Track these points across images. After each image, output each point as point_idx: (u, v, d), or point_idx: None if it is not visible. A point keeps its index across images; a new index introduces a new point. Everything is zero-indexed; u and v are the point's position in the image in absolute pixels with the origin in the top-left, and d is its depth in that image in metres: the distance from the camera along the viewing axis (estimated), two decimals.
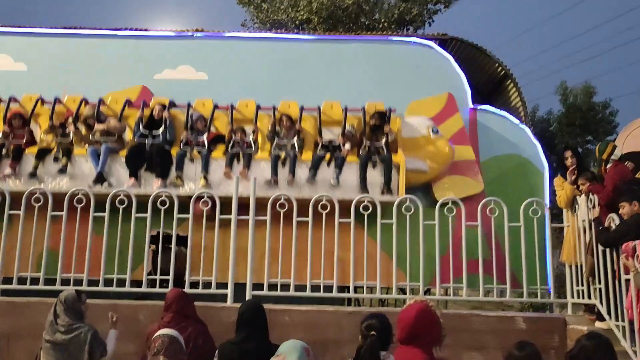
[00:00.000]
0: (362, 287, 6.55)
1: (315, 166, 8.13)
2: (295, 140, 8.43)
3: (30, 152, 8.31)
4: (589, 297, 6.09)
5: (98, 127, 8.59)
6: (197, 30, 11.48)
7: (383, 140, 8.31)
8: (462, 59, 11.45)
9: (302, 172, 8.29)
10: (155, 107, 8.80)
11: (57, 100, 9.15)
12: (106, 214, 6.49)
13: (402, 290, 6.81)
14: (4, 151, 8.20)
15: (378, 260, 6.35)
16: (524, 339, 5.59)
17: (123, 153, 8.38)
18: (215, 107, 9.14)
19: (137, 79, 10.70)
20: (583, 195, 6.27)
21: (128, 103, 9.22)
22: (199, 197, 6.48)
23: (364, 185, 8.09)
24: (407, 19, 20.70)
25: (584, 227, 6.14)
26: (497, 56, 11.92)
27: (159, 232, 6.59)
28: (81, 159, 8.39)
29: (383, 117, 8.60)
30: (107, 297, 6.33)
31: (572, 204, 6.53)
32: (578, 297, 6.33)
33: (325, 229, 6.31)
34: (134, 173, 7.97)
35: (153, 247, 7.86)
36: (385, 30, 19.48)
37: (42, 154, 8.19)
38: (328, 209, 6.40)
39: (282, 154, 8.27)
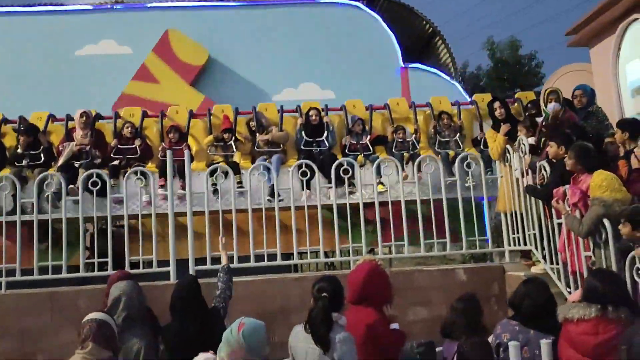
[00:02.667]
0: (306, 253, 6.55)
1: (488, 163, 7.26)
2: (457, 137, 7.92)
3: (198, 169, 7.28)
4: (525, 244, 6.29)
5: (261, 137, 7.89)
6: (116, 2, 11.02)
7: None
8: (391, 18, 11.45)
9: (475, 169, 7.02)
10: (310, 112, 8.07)
11: (210, 113, 8.41)
12: (34, 199, 6.21)
13: (346, 253, 6.82)
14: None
15: (320, 224, 6.34)
16: (466, 290, 5.78)
17: (292, 162, 7.43)
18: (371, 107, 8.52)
19: (57, 56, 10.23)
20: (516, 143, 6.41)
21: (282, 109, 8.44)
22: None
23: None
24: None
25: (522, 172, 6.21)
26: (424, 14, 12.01)
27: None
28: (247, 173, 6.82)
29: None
30: (43, 286, 6.11)
31: (504, 154, 6.67)
32: (514, 245, 6.53)
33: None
34: (307, 184, 6.83)
35: (89, 228, 7.63)
36: None
37: (213, 170, 6.80)
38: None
39: (451, 152, 7.52)
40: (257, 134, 7.95)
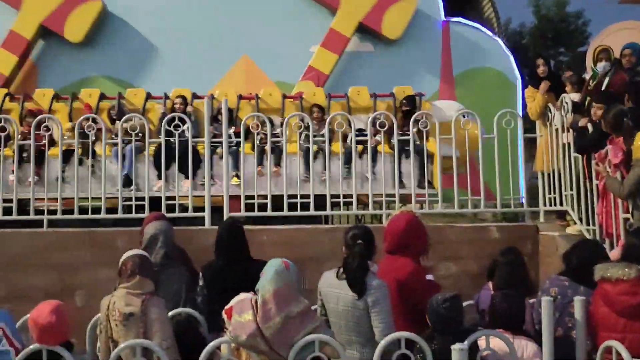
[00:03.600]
0: (339, 204, 6.58)
1: (348, 161, 7.05)
2: (325, 131, 7.18)
3: (53, 155, 7.09)
4: (561, 204, 6.20)
5: (119, 125, 7.45)
6: None
7: (415, 128, 7.06)
8: None
9: (334, 165, 6.90)
10: (176, 100, 8.11)
11: (74, 96, 8.58)
12: (75, 139, 6.34)
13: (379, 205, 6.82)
14: (24, 155, 7.20)
15: (353, 176, 6.35)
16: (499, 248, 5.76)
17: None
18: (240, 97, 8.57)
19: None
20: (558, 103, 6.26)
21: (148, 96, 8.61)
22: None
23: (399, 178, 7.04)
24: None
25: (565, 129, 6.10)
26: None
27: None
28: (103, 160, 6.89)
29: (413, 102, 8.13)
30: (83, 226, 6.30)
31: (544, 113, 6.51)
32: (550, 205, 6.44)
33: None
34: (162, 174, 6.81)
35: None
36: None
37: (66, 157, 6.99)
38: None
39: (315, 147, 7.20)
40: (117, 122, 7.71)
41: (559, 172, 6.17)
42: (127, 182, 6.90)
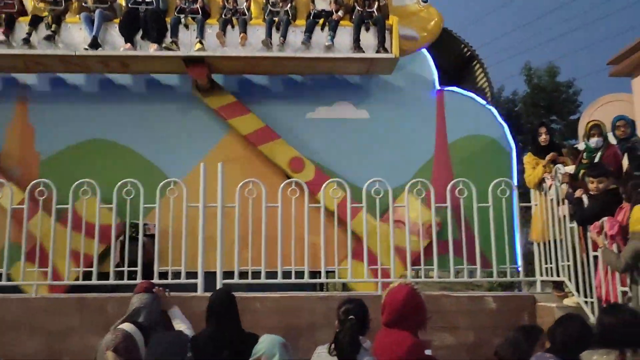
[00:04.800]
0: (334, 272, 6.52)
1: (309, 29, 8.09)
2: (288, 7, 8.32)
3: (23, 20, 8.05)
4: (558, 275, 6.16)
5: None
6: None
7: (375, 6, 8.32)
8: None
9: (297, 37, 8.17)
10: None
11: None
12: (69, 205, 6.31)
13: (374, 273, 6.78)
14: None
15: (349, 243, 6.32)
16: (495, 318, 5.69)
17: (117, 21, 8.16)
18: None
19: None
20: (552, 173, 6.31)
21: None
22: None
23: (357, 46, 8.04)
24: None
25: (560, 200, 6.13)
26: (462, 37, 11.94)
27: (124, 223, 6.45)
28: (74, 27, 8.07)
29: None
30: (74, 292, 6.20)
31: (540, 183, 6.57)
32: (547, 275, 6.40)
33: (295, 214, 6.25)
34: (129, 38, 7.82)
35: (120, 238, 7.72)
36: None
37: (35, 21, 7.93)
38: (297, 195, 6.34)
39: (276, 19, 8.18)
40: None
41: (555, 242, 6.15)
42: (94, 43, 7.73)
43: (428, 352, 3.61)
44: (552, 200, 6.24)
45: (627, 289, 4.73)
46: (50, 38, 7.82)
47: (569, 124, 25.19)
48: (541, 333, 3.94)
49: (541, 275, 6.49)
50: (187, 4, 8.18)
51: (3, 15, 7.93)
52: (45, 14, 8.01)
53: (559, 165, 6.20)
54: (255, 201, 6.31)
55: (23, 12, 8.10)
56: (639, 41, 7.30)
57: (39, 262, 6.23)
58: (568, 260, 5.88)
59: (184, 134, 8.75)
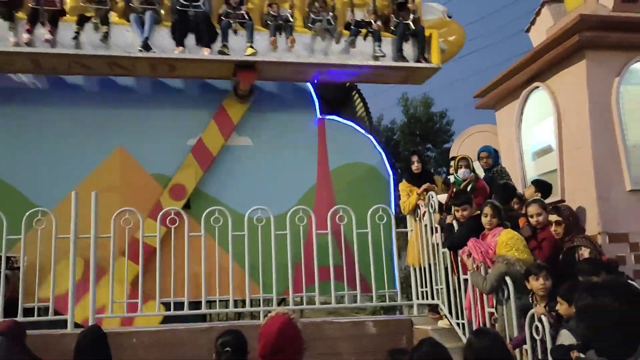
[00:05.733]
0: (215, 302, 6.39)
1: (355, 34, 8.17)
2: (330, 16, 8.28)
3: (67, 20, 7.38)
4: (432, 298, 6.43)
5: None
6: None
7: (410, 18, 8.47)
8: None
9: (339, 44, 8.23)
10: None
11: None
12: None
13: (257, 302, 6.73)
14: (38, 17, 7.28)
15: (230, 272, 6.23)
16: (375, 342, 5.81)
17: (167, 23, 7.70)
18: None
19: None
20: (425, 200, 6.62)
21: None
22: None
23: (400, 55, 8.17)
24: None
25: (433, 227, 6.42)
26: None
27: None
28: (121, 29, 7.53)
29: None
30: None
31: (415, 209, 6.86)
32: (423, 298, 6.66)
33: (175, 243, 6.08)
34: (180, 41, 7.44)
35: None
36: None
37: (82, 21, 7.29)
38: (177, 224, 6.18)
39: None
40: None
41: (430, 267, 6.43)
42: (146, 46, 7.30)
43: None
44: (425, 226, 6.53)
45: (493, 310, 5.02)
46: (104, 39, 7.33)
47: (443, 152, 26.66)
48: (405, 355, 4.08)
49: (417, 298, 6.75)
50: (232, 9, 7.97)
51: (46, 14, 7.30)
52: (91, 13, 7.43)
53: (432, 193, 6.51)
54: (133, 231, 6.07)
55: (63, 11, 7.48)
56: (500, 76, 7.88)
57: None
58: (441, 284, 6.16)
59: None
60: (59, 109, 8.34)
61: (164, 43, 7.50)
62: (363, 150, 10.02)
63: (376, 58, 8.16)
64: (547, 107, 7.14)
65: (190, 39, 7.52)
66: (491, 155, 6.90)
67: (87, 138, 8.28)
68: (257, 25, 8.04)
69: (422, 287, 6.66)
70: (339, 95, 12.83)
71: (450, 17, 9.35)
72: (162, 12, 7.76)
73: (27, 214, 6.01)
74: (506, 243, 5.02)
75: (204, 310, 6.27)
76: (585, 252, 5.08)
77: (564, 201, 6.48)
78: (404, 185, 7.09)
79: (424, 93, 27.95)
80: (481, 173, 6.87)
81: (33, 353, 4.63)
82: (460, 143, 10.49)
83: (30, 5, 7.19)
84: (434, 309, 6.55)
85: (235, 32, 7.77)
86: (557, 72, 6.96)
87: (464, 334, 5.56)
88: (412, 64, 8.18)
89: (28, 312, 5.87)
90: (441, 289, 6.17)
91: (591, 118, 6.38)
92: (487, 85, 8.28)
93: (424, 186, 6.77)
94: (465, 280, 5.55)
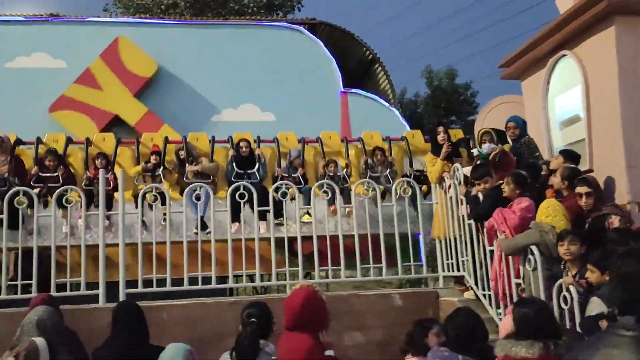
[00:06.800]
0: (242, 276, 6.46)
1: (414, 199, 7.07)
2: (388, 172, 7.85)
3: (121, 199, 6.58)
4: (458, 270, 6.41)
5: (190, 168, 7.59)
6: (52, 15, 10.70)
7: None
8: (332, 44, 11.59)
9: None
10: (240, 144, 7.85)
11: (137, 141, 8.13)
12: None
13: (282, 276, 6.80)
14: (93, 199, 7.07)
15: (256, 246, 6.27)
16: (402, 315, 5.83)
17: (222, 194, 7.17)
18: (303, 142, 8.33)
19: None
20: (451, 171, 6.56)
21: (213, 140, 8.17)
22: None
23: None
24: (276, 3, 20.68)
25: (458, 200, 6.37)
26: (365, 41, 12.21)
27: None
28: (175, 205, 6.71)
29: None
30: None
31: (441, 180, 6.80)
32: (448, 270, 6.65)
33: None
34: (237, 216, 6.63)
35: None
36: (254, 15, 19.30)
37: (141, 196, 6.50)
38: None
39: (381, 187, 7.37)
40: (187, 165, 7.73)
41: (455, 239, 6.40)
42: (203, 225, 6.76)
43: (330, 352, 3.64)
44: (451, 198, 6.49)
45: (520, 280, 4.99)
46: (164, 220, 6.74)
47: (468, 124, 26.39)
48: (434, 324, 4.12)
49: (443, 270, 6.73)
50: (288, 173, 7.67)
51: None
52: (141, 187, 6.85)
53: (457, 165, 6.46)
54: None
55: (115, 187, 7.03)
56: (526, 45, 7.70)
57: None
58: (467, 256, 6.13)
59: None
60: None
61: (218, 217, 6.50)
62: (387, 123, 9.97)
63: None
64: (574, 75, 6.98)
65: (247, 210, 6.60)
66: (519, 126, 6.80)
67: None
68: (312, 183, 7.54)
69: (447, 259, 6.64)
70: (361, 68, 12.75)
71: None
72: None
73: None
74: (546, 209, 4.99)
75: (230, 284, 6.33)
76: (615, 221, 5.01)
77: (592, 171, 6.37)
78: (429, 157, 7.05)
79: (448, 64, 27.61)
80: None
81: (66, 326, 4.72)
82: (485, 115, 10.34)
83: (83, 186, 7.02)
84: (459, 280, 6.54)
85: (292, 199, 6.86)
86: (585, 39, 6.78)
87: (490, 305, 5.55)
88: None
89: (60, 288, 5.99)
90: (467, 260, 6.15)
91: (620, 85, 6.22)
92: (512, 55, 8.10)
93: (444, 150, 6.70)
94: (491, 252, 5.52)
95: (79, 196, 6.32)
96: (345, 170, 7.96)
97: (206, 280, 6.12)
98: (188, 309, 5.78)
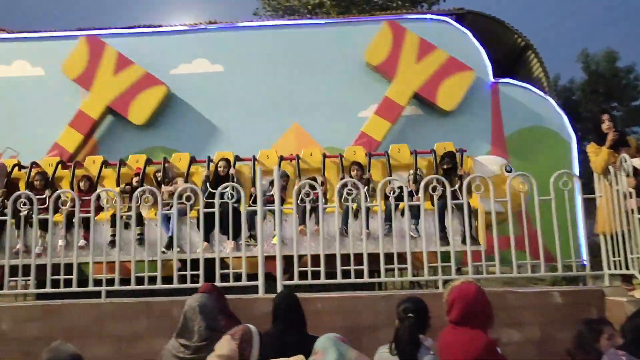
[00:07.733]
0: (393, 270, 6.48)
1: (389, 218, 7.22)
2: (365, 189, 7.41)
3: (100, 220, 7.56)
4: (627, 268, 5.95)
5: (166, 189, 8.07)
6: (210, 23, 11.44)
7: (457, 184, 7.21)
8: (480, 33, 11.22)
9: (374, 223, 7.13)
10: (219, 163, 8.34)
11: (122, 162, 8.96)
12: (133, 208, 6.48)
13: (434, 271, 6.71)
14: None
15: (407, 242, 6.27)
16: (561, 313, 5.54)
17: (193, 214, 7.48)
18: (281, 158, 8.65)
19: (154, 75, 10.76)
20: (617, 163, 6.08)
21: (192, 160, 8.84)
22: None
23: (443, 236, 6.91)
24: None
25: (625, 193, 5.91)
26: (515, 27, 11.68)
27: None
28: (150, 224, 7.57)
29: (454, 158, 8.09)
30: (139, 296, 6.38)
31: (607, 170, 6.31)
32: (615, 268, 6.18)
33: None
34: (207, 236, 7.08)
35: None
36: (399, 9, 19.23)
37: (115, 221, 7.03)
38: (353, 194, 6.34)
39: (354, 206, 7.25)
40: (162, 185, 8.17)
41: (623, 234, 5.93)
42: (169, 244, 7.15)
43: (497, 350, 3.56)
44: (617, 191, 6.02)
45: None
46: (141, 241, 7.42)
47: (631, 110, 24.27)
48: (606, 326, 3.82)
49: (609, 268, 6.27)
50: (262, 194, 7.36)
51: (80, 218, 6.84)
52: (123, 209, 7.21)
53: (624, 155, 5.97)
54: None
55: (99, 207, 7.47)
56: None
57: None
58: (637, 253, 5.67)
59: None
60: None
61: (191, 235, 7.05)
62: (541, 114, 9.51)
63: (413, 239, 6.96)
64: None
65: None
66: None
67: None
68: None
69: (613, 256, 6.18)
70: (513, 56, 12.22)
71: (509, 170, 7.83)
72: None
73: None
74: None
75: (382, 278, 6.38)
76: None
77: None
78: (592, 147, 6.54)
79: (607, 46, 25.59)
80: None
81: (232, 312, 5.04)
82: None
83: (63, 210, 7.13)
84: (626, 279, 6.06)
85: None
86: None
87: None
88: (456, 248, 6.51)
89: (223, 278, 6.39)
90: (637, 257, 5.68)
91: None
92: None
93: (610, 138, 6.25)
94: None
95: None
96: (321, 188, 7.19)
97: (357, 274, 6.23)
98: (342, 301, 5.93)
